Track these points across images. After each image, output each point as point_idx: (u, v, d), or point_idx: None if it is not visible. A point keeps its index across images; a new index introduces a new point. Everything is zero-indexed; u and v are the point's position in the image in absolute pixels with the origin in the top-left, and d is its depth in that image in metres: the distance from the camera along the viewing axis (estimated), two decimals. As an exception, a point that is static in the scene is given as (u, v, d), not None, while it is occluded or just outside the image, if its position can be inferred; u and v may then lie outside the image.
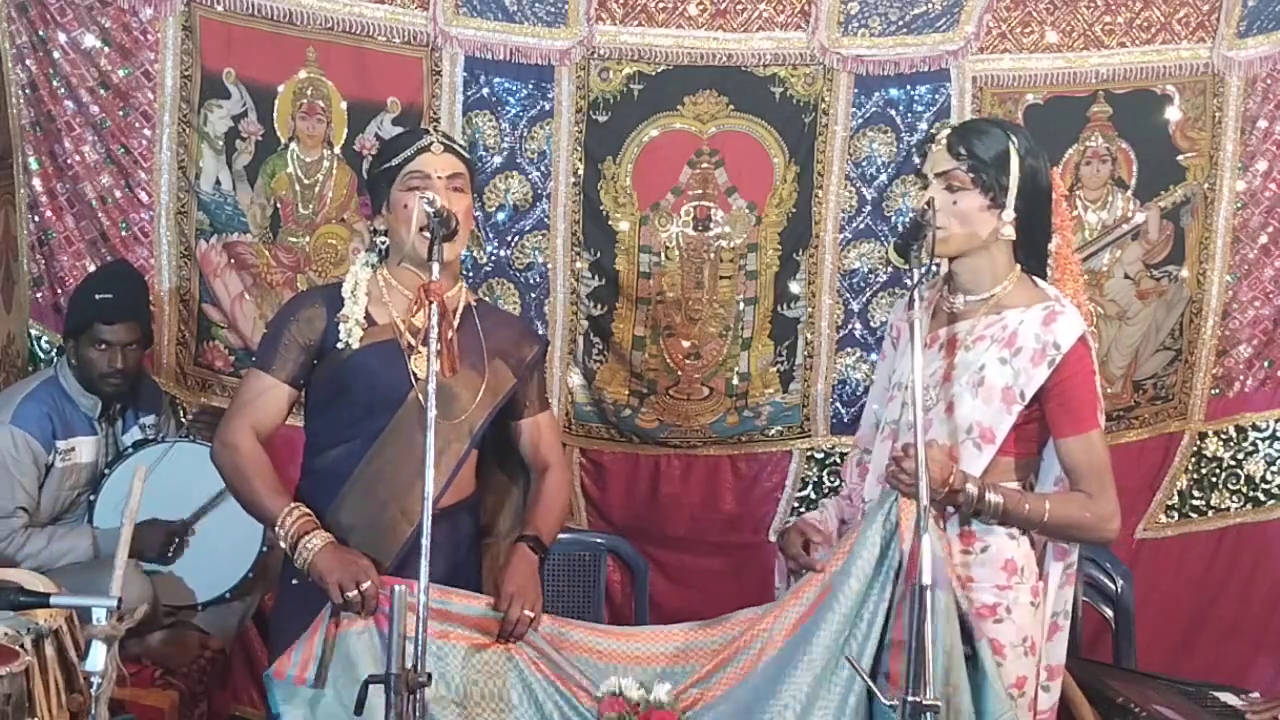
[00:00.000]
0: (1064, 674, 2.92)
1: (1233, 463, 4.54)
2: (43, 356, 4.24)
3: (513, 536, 3.01)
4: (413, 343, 2.90)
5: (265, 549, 3.80)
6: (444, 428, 2.81)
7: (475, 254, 4.26)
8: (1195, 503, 4.54)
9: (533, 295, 4.31)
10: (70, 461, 3.82)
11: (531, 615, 2.80)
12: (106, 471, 3.85)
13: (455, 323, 2.87)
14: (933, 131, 3.01)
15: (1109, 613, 3.99)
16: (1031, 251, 2.80)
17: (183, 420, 4.22)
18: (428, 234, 2.79)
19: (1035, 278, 2.81)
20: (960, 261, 2.80)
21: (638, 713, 2.74)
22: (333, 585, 2.69)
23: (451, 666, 2.76)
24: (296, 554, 2.75)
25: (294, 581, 2.85)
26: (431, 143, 2.92)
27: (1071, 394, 2.70)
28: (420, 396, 2.79)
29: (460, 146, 3.03)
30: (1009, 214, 2.72)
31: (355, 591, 2.68)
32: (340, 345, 2.91)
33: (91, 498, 3.84)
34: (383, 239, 2.98)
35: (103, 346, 3.81)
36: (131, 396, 3.97)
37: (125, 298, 3.88)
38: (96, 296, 3.83)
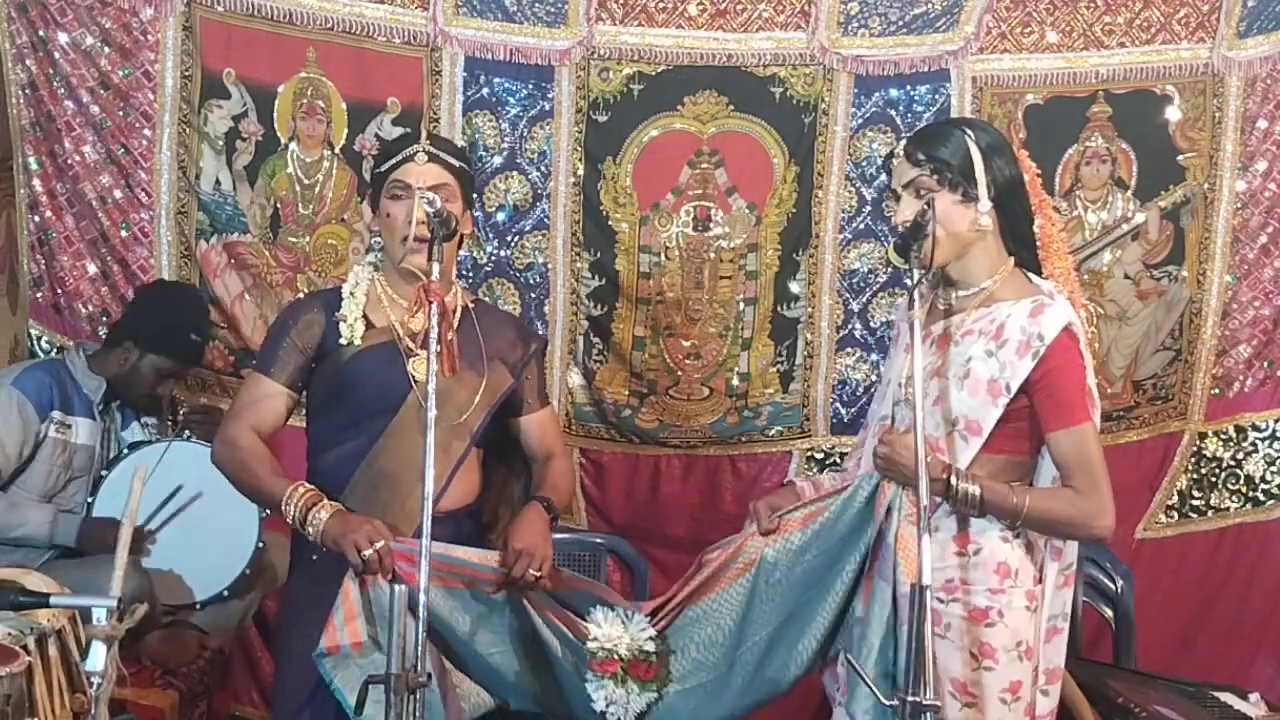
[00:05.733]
0: (1064, 675, 2.91)
1: (1232, 463, 4.54)
2: (43, 357, 4.23)
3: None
4: (411, 346, 2.92)
5: (261, 545, 3.79)
6: (443, 428, 2.81)
7: (475, 254, 4.26)
8: (1195, 503, 4.54)
9: (533, 295, 4.31)
10: (64, 435, 3.80)
11: (538, 575, 2.81)
12: (104, 473, 3.83)
13: (454, 323, 2.88)
14: (892, 149, 3.02)
15: (1109, 613, 4.00)
16: (1017, 238, 2.79)
17: (180, 419, 4.22)
18: (412, 242, 2.83)
19: (1030, 274, 2.80)
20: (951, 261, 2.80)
21: (628, 669, 2.83)
22: (349, 547, 2.69)
23: (458, 607, 2.83)
24: (307, 527, 2.76)
25: (314, 557, 2.85)
26: (416, 153, 2.91)
27: (1058, 385, 2.66)
28: (420, 397, 2.80)
29: (451, 156, 2.96)
30: (984, 204, 2.72)
31: (371, 550, 2.68)
32: (343, 342, 2.92)
33: (90, 499, 3.82)
34: (378, 239, 3.00)
35: (167, 376, 3.93)
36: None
37: (204, 342, 4.03)
38: (192, 336, 3.95)
